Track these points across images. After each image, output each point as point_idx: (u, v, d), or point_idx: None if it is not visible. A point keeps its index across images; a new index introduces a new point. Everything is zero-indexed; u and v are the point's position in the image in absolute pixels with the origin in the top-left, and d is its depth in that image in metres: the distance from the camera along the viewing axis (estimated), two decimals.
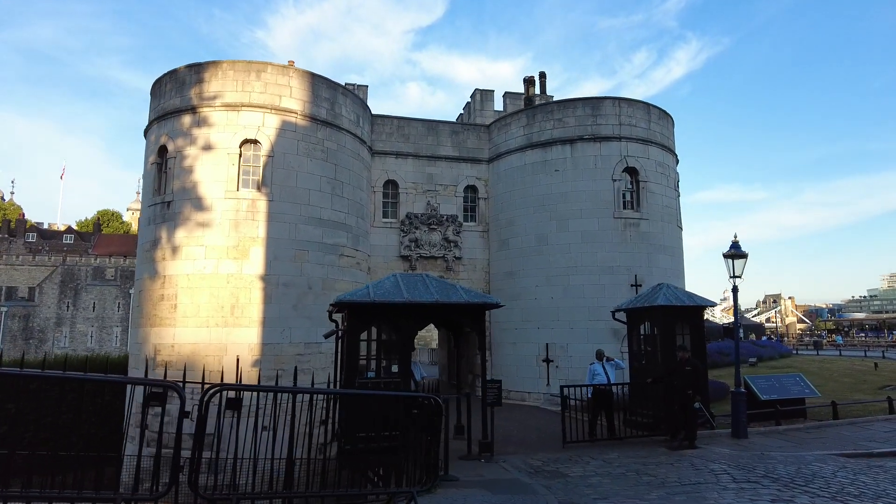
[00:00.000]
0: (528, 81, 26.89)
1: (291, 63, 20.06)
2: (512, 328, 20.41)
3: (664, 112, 21.17)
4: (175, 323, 16.52)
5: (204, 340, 16.29)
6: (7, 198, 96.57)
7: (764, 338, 47.38)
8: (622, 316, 14.54)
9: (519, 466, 9.52)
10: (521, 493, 7.71)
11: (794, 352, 36.97)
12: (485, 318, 10.87)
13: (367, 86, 25.54)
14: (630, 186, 20.09)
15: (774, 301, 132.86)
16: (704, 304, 13.29)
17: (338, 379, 10.53)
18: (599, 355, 12.76)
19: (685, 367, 11.30)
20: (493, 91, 26.40)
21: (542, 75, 27.28)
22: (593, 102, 20.26)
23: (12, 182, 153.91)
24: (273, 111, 17.64)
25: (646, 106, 20.56)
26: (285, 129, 17.70)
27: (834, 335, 56.48)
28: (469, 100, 27.50)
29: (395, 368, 10.42)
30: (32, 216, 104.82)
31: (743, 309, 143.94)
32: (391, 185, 21.47)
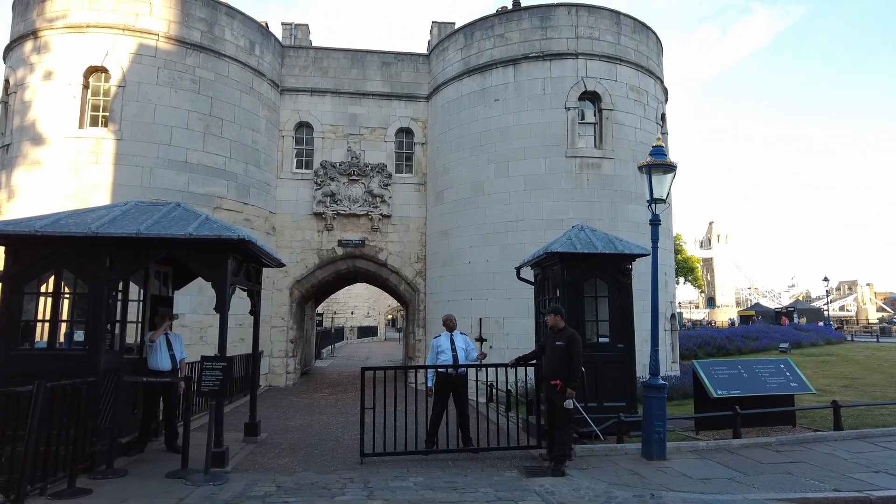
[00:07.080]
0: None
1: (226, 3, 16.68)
2: (444, 300, 16.37)
3: (641, 24, 16.36)
4: None
5: None
6: None
7: (820, 323, 40.73)
8: (529, 274, 10.36)
9: (207, 496, 5.73)
10: None
11: (849, 338, 30.70)
12: (226, 264, 7.05)
13: (306, 24, 21.90)
14: (594, 119, 15.55)
15: (850, 288, 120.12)
16: (629, 254, 8.89)
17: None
18: (449, 324, 8.49)
19: (555, 342, 7.09)
20: (454, 23, 22.03)
21: (517, 4, 22.70)
22: (543, 11, 15.78)
23: None
24: (127, 32, 14.32)
25: (614, 14, 15.83)
26: (142, 55, 14.36)
27: None
28: (429, 36, 23.32)
29: (78, 336, 6.84)
30: None
31: (814, 296, 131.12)
32: (306, 128, 17.79)
